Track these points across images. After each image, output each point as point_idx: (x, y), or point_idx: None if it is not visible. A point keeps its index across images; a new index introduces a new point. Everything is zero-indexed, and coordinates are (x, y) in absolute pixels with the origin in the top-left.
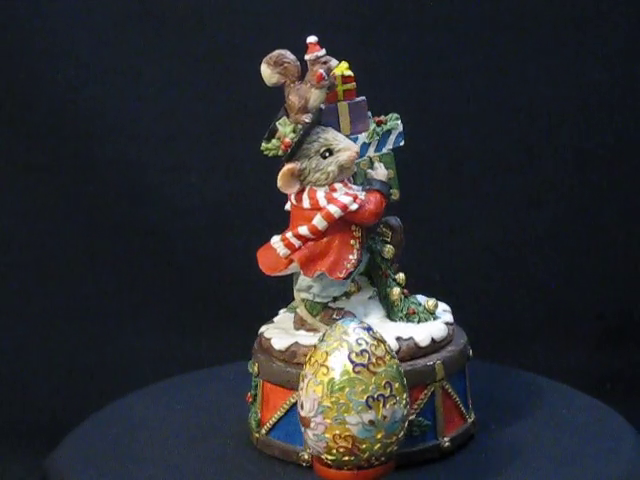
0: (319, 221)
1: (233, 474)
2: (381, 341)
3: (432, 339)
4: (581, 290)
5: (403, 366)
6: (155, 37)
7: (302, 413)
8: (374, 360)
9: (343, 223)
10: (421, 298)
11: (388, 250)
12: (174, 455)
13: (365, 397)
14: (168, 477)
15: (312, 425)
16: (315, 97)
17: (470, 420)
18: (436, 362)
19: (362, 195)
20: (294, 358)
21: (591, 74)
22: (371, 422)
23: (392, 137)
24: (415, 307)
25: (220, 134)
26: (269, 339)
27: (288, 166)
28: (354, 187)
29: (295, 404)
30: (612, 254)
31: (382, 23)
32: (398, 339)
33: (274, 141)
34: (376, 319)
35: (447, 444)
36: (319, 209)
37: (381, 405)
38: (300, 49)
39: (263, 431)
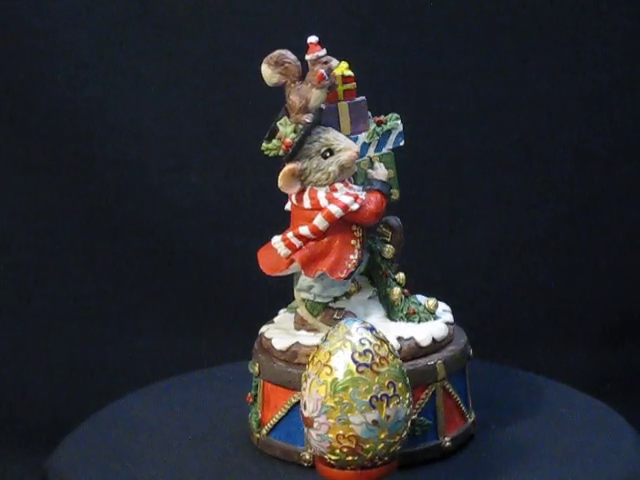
0: (320, 221)
1: (234, 474)
2: (384, 341)
3: (433, 339)
4: (581, 290)
5: (404, 366)
6: (155, 37)
7: (305, 413)
8: (377, 360)
9: (344, 223)
10: (421, 298)
11: (388, 250)
12: (174, 455)
13: (369, 397)
14: (168, 477)
15: (315, 425)
16: (316, 97)
17: (470, 420)
18: (437, 362)
19: (363, 195)
20: (295, 358)
21: (591, 74)
22: (374, 422)
23: (392, 137)
24: (415, 307)
25: (220, 134)
26: (270, 339)
27: (289, 166)
28: (355, 187)
29: (296, 404)
30: (612, 254)
31: (382, 23)
32: (399, 339)
33: (275, 141)
34: (376, 319)
35: (448, 444)
36: (320, 209)
37: (384, 405)
38: (300, 49)
39: (264, 431)
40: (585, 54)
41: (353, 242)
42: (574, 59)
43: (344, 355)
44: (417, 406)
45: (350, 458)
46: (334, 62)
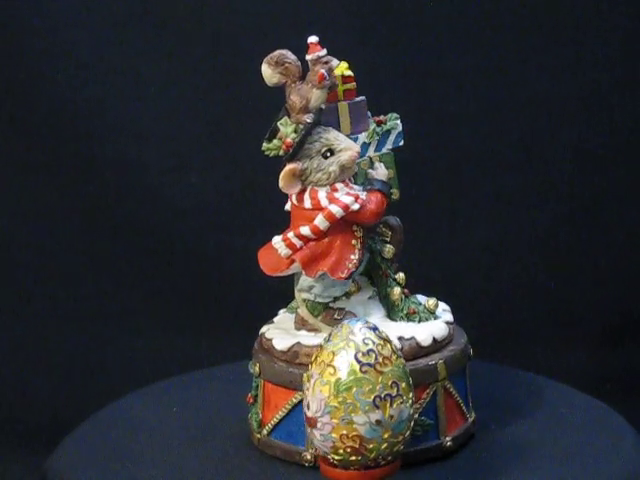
0: (321, 221)
1: (235, 474)
2: (387, 341)
3: (434, 339)
4: (581, 290)
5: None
6: (155, 37)
7: (308, 413)
8: (381, 360)
9: (344, 223)
10: (421, 298)
11: (388, 250)
12: (174, 455)
13: (372, 397)
14: (168, 477)
15: (319, 425)
16: (316, 97)
17: (471, 419)
18: (438, 362)
19: (363, 195)
20: (296, 358)
21: (591, 74)
22: (378, 422)
23: (392, 137)
24: (416, 307)
25: (220, 134)
26: (270, 339)
27: (290, 166)
28: (355, 187)
29: (297, 404)
30: (612, 254)
31: (382, 23)
32: (400, 339)
33: (275, 141)
34: (377, 319)
35: (449, 443)
36: (321, 209)
37: (388, 405)
38: (300, 49)
39: (264, 432)
40: (585, 54)
41: (354, 242)
42: (574, 59)
43: (347, 355)
44: (418, 406)
45: (353, 458)
46: (334, 62)
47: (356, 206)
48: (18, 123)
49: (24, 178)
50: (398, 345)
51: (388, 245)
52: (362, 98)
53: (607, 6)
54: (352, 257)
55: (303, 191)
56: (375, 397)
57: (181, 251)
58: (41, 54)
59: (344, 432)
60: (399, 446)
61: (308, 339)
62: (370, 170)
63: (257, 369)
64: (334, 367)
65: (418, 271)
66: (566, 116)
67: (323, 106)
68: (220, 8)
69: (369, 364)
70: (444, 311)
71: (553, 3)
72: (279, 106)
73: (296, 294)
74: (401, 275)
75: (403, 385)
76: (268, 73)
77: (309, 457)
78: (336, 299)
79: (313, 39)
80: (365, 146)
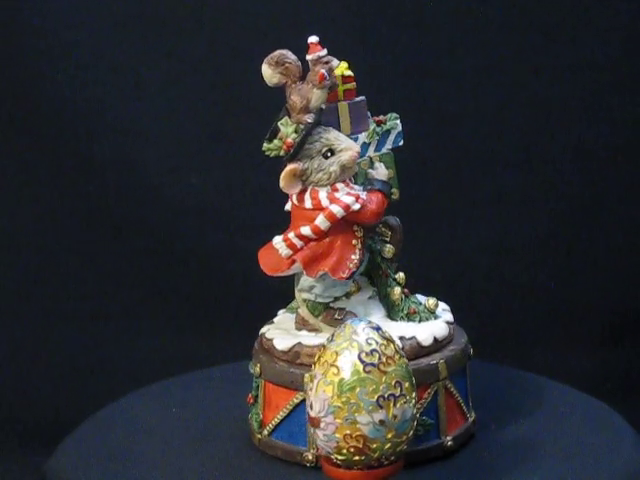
0: (322, 221)
1: (236, 475)
2: (390, 340)
3: (435, 338)
4: (581, 290)
5: None
6: (155, 37)
7: (312, 413)
8: (384, 360)
9: (345, 223)
10: (420, 298)
11: (388, 250)
12: (175, 456)
13: (376, 397)
14: (168, 478)
15: (322, 425)
16: (317, 97)
17: (471, 419)
18: (439, 361)
19: (364, 195)
20: (297, 358)
21: (591, 74)
22: (382, 422)
23: (391, 137)
24: (416, 306)
25: (220, 134)
26: (271, 340)
27: (290, 166)
28: (356, 187)
29: (299, 404)
30: (612, 254)
31: (382, 23)
32: (401, 339)
33: (276, 141)
34: (377, 319)
35: (450, 443)
36: (321, 209)
37: (392, 404)
38: (301, 49)
39: (265, 432)
40: (585, 54)
41: (354, 242)
42: (574, 59)
43: (351, 355)
44: (419, 406)
45: (357, 458)
46: (335, 62)
47: (357, 206)
48: (18, 123)
49: (24, 178)
50: (399, 345)
51: (388, 245)
52: (362, 98)
53: (607, 6)
54: (353, 257)
55: (304, 191)
56: (379, 397)
57: (181, 251)
58: (41, 54)
59: (348, 432)
60: (402, 446)
61: (309, 339)
62: (370, 170)
63: (258, 369)
64: (337, 367)
65: (418, 271)
66: (566, 116)
67: (323, 106)
68: (220, 8)
69: (372, 364)
70: (444, 311)
71: (553, 3)
72: (279, 106)
73: (297, 294)
74: (401, 275)
75: (406, 385)
76: (268, 73)
77: (310, 457)
78: (336, 299)
79: (313, 39)
80: (365, 146)
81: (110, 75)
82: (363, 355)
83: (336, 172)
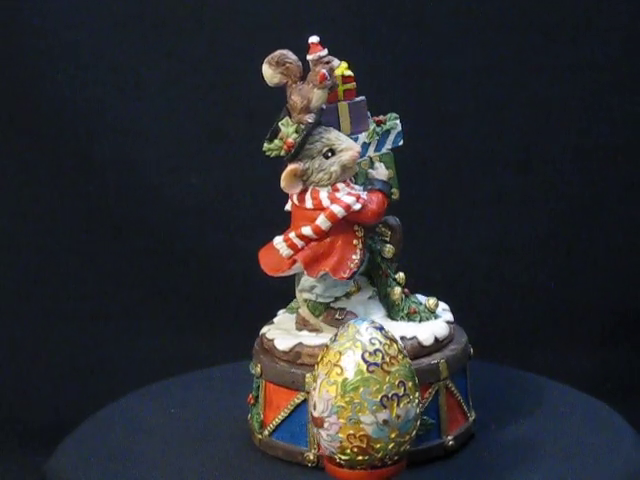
0: (323, 221)
1: (236, 475)
2: (393, 340)
3: (435, 338)
4: (581, 290)
5: None
6: (155, 37)
7: (315, 413)
8: (388, 359)
9: (346, 223)
10: (420, 297)
11: (388, 250)
12: (175, 456)
13: (379, 397)
14: (168, 478)
15: (326, 425)
16: (317, 97)
17: (471, 418)
18: (440, 361)
19: (364, 195)
20: (298, 359)
21: (591, 74)
22: (385, 422)
23: (391, 137)
24: (416, 306)
25: (220, 134)
26: (272, 340)
27: (291, 166)
28: (356, 187)
29: (300, 405)
30: (612, 254)
31: (382, 23)
32: (402, 338)
33: (276, 141)
34: (377, 319)
35: (451, 442)
36: (322, 209)
37: (395, 404)
38: (301, 49)
39: (266, 432)
40: (585, 54)
41: (355, 242)
42: (574, 59)
43: (354, 355)
44: (421, 405)
45: (360, 458)
46: (335, 62)
47: (357, 206)
48: (18, 123)
49: (24, 178)
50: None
51: (388, 245)
52: (362, 98)
53: (607, 6)
54: (354, 257)
55: (304, 191)
56: (382, 397)
57: (181, 251)
58: (41, 54)
59: (351, 432)
60: (406, 446)
61: (310, 339)
62: (370, 170)
63: (258, 370)
64: (341, 367)
65: (418, 271)
66: (566, 116)
67: (323, 106)
68: (220, 8)
69: (376, 364)
70: (444, 310)
71: (553, 3)
72: (280, 106)
73: (297, 294)
74: (401, 275)
75: (410, 384)
76: (269, 73)
77: (312, 457)
78: (337, 299)
79: (314, 39)
80: (365, 146)
81: (110, 75)
82: (366, 355)
83: (337, 172)
